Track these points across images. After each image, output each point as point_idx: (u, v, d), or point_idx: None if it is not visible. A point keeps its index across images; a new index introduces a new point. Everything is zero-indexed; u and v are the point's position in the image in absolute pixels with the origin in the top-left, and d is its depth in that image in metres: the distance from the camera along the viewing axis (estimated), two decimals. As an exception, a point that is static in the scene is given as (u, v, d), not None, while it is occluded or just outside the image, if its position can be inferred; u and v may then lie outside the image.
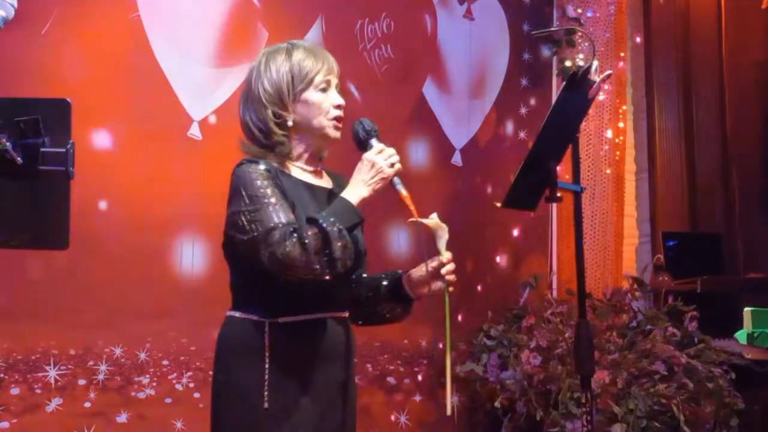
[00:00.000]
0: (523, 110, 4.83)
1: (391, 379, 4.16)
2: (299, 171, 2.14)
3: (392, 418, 4.15)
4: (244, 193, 2.00)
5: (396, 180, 2.07)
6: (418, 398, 4.25)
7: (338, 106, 2.13)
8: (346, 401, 2.13)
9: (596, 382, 3.65)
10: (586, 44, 4.73)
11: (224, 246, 2.13)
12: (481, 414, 4.26)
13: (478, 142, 4.66)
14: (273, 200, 1.98)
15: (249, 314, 2.07)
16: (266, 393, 2.01)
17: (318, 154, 2.18)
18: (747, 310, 4.06)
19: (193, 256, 3.63)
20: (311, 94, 2.11)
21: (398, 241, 4.14)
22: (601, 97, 4.68)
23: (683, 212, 5.14)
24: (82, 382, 3.37)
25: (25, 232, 1.57)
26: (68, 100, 1.53)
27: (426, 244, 2.11)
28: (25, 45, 3.28)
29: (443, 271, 2.14)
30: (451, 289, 2.13)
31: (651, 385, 3.80)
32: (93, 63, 3.46)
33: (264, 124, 2.11)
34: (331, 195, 2.13)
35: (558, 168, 2.47)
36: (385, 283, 2.22)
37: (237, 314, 2.10)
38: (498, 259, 4.70)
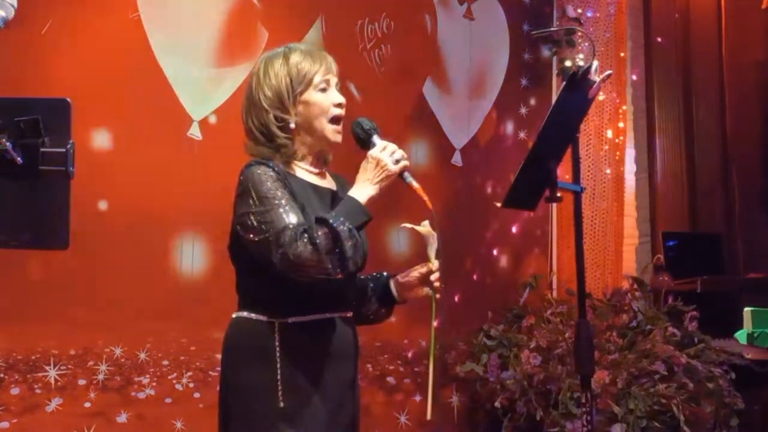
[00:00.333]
0: (523, 110, 4.83)
1: (391, 379, 4.16)
2: (304, 172, 2.15)
3: (393, 417, 4.15)
4: (253, 194, 2.00)
5: (405, 174, 2.08)
6: (418, 398, 4.25)
7: (338, 105, 2.14)
8: (355, 400, 2.16)
9: (596, 382, 3.65)
10: (586, 44, 4.73)
11: (230, 247, 2.14)
12: (481, 414, 4.26)
13: (478, 142, 4.66)
14: (283, 201, 1.98)
15: (258, 315, 2.07)
16: (280, 392, 2.01)
17: (322, 155, 2.19)
18: (747, 310, 4.06)
19: (193, 256, 3.63)
20: (311, 95, 2.12)
21: (398, 242, 4.14)
22: (601, 97, 4.68)
23: (683, 212, 5.14)
24: (82, 382, 3.37)
25: (25, 232, 1.56)
26: (68, 100, 1.53)
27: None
28: (25, 45, 3.28)
29: (432, 278, 2.15)
30: (438, 296, 2.14)
31: (651, 385, 3.80)
32: (93, 63, 3.46)
33: (266, 128, 2.12)
34: (335, 196, 2.14)
35: (558, 168, 2.47)
36: (371, 285, 2.25)
37: (245, 315, 2.10)
38: (498, 259, 4.70)
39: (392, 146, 2.09)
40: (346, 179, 2.23)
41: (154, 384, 3.51)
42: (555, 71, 4.89)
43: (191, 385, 3.59)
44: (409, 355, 4.23)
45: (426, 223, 2.16)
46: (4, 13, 1.66)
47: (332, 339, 2.08)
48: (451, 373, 4.29)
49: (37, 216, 1.55)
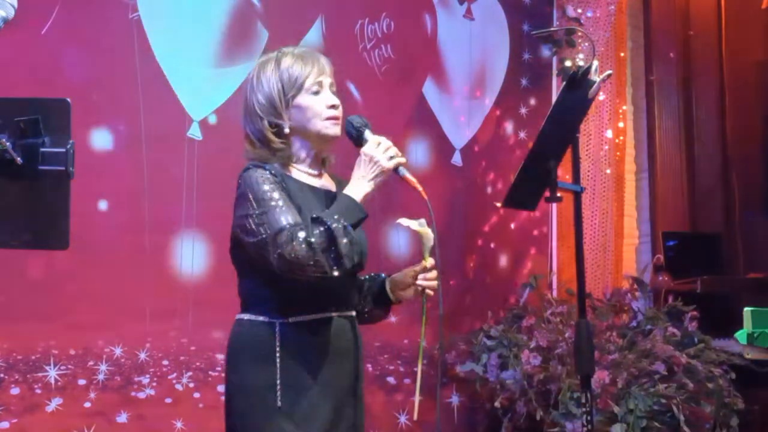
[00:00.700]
0: (523, 110, 4.83)
1: (391, 379, 4.16)
2: (303, 174, 2.16)
3: (393, 417, 4.15)
4: (251, 196, 2.02)
5: (400, 168, 2.08)
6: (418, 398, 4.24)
7: (332, 106, 2.14)
8: (358, 398, 2.17)
9: (596, 382, 3.65)
10: (586, 44, 4.73)
11: (231, 250, 2.15)
12: (481, 414, 4.26)
13: (478, 142, 4.66)
14: (280, 203, 2.00)
15: (259, 316, 2.09)
16: (279, 392, 2.02)
17: (320, 156, 2.20)
18: (747, 310, 4.05)
19: (193, 256, 3.63)
20: (303, 99, 2.13)
21: (398, 241, 4.14)
22: (601, 97, 4.68)
23: (683, 212, 5.14)
24: (82, 382, 3.37)
25: (25, 232, 1.56)
26: (68, 100, 1.53)
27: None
28: (25, 45, 3.28)
29: (421, 277, 2.16)
30: (430, 293, 2.15)
31: (651, 385, 3.80)
32: (93, 63, 3.46)
33: (262, 133, 2.14)
34: (334, 197, 2.14)
35: (558, 168, 2.47)
36: (368, 284, 2.26)
37: (247, 317, 2.12)
38: (498, 259, 4.70)
39: (386, 142, 2.09)
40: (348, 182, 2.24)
41: (154, 384, 3.51)
42: (555, 71, 4.89)
43: (191, 385, 3.59)
44: (409, 355, 4.23)
45: (423, 221, 2.16)
46: (4, 13, 1.66)
47: (333, 338, 2.09)
48: (451, 373, 4.29)
49: (37, 216, 1.54)
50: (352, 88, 4.07)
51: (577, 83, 2.40)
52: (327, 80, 2.16)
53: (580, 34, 4.69)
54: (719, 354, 4.01)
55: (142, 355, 3.50)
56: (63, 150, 1.51)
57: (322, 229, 1.94)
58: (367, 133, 2.11)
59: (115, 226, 3.48)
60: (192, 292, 3.61)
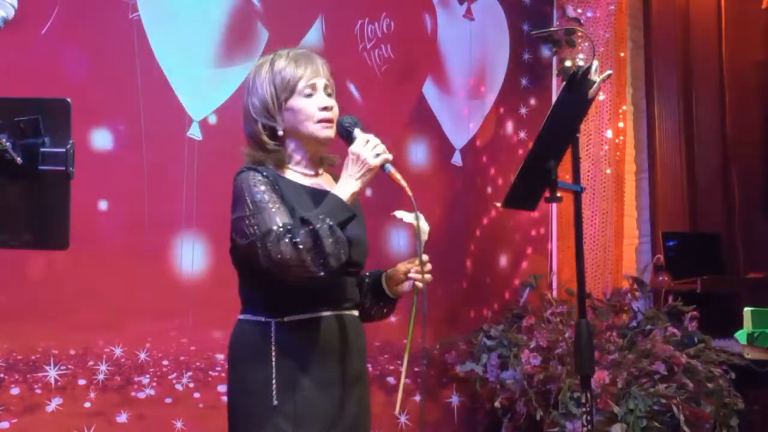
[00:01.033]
0: (523, 110, 4.83)
1: (391, 379, 4.16)
2: (298, 175, 2.18)
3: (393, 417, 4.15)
4: (243, 199, 2.05)
5: (387, 165, 2.08)
6: (418, 398, 4.25)
7: (324, 108, 2.14)
8: (361, 397, 2.16)
9: (596, 382, 3.65)
10: (586, 44, 4.73)
11: (231, 251, 2.17)
12: (481, 414, 4.26)
13: (478, 142, 4.66)
14: (270, 204, 2.02)
15: (256, 316, 2.11)
16: (274, 391, 2.03)
17: (316, 157, 2.21)
18: (747, 310, 4.05)
19: (193, 256, 3.63)
20: (296, 101, 2.14)
21: (397, 240, 4.14)
22: (601, 97, 4.68)
23: (683, 212, 5.14)
24: (82, 382, 3.37)
25: (25, 232, 1.56)
26: (68, 100, 1.53)
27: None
28: (25, 45, 3.28)
29: (413, 271, 2.15)
30: (419, 285, 2.14)
31: (651, 385, 3.80)
32: (93, 63, 3.46)
33: (257, 136, 2.17)
34: None
35: (558, 168, 2.47)
36: (367, 280, 2.25)
37: (245, 317, 2.15)
38: (498, 259, 4.70)
39: (374, 140, 2.08)
40: None
41: (154, 384, 3.51)
42: (555, 71, 4.89)
43: (191, 385, 3.59)
44: (409, 355, 4.23)
45: (420, 215, 2.15)
46: (4, 13, 1.66)
47: (330, 336, 2.10)
48: (451, 373, 4.29)
49: (37, 216, 1.54)
50: (352, 88, 4.07)
51: (577, 83, 2.40)
52: (321, 82, 2.16)
53: (580, 34, 4.69)
54: (719, 354, 4.01)
55: (142, 355, 3.50)
56: (63, 150, 1.51)
57: (307, 229, 1.96)
58: (356, 132, 2.11)
59: (115, 226, 3.48)
60: (192, 292, 3.61)
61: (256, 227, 2.00)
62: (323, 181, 2.22)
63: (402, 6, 4.40)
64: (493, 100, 4.74)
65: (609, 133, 4.79)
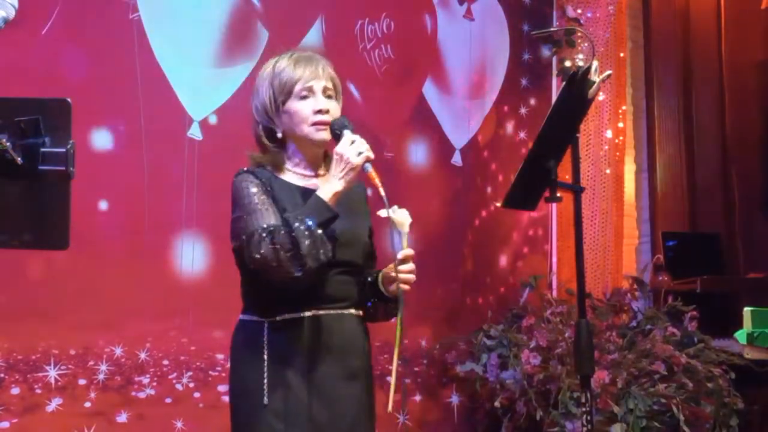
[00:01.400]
0: (523, 110, 4.83)
1: (390, 379, 4.15)
2: (297, 177, 2.20)
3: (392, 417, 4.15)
4: (237, 201, 2.11)
5: (366, 165, 2.08)
6: (418, 398, 4.25)
7: (318, 111, 2.15)
8: (360, 397, 2.15)
9: (596, 382, 3.65)
10: (586, 44, 4.73)
11: (233, 252, 2.20)
12: (481, 414, 4.26)
13: (478, 142, 4.66)
14: (259, 207, 2.07)
15: (252, 316, 2.15)
16: (265, 390, 2.06)
17: (315, 158, 2.22)
18: (747, 310, 4.05)
19: (193, 256, 3.63)
20: (292, 104, 2.17)
21: (398, 240, 4.13)
22: (601, 97, 4.67)
23: (683, 212, 5.14)
24: (82, 382, 3.37)
25: (25, 232, 1.56)
26: (68, 100, 1.53)
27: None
28: (25, 45, 3.28)
29: (401, 268, 2.14)
30: (405, 287, 2.13)
31: (651, 385, 3.80)
32: (93, 63, 3.46)
33: (258, 138, 2.22)
34: (342, 197, 2.13)
35: (558, 168, 2.47)
36: (369, 280, 2.26)
37: (244, 317, 2.19)
38: (498, 259, 4.70)
39: (359, 140, 2.09)
40: (361, 183, 2.29)
41: (154, 384, 3.51)
42: (555, 71, 4.89)
43: (191, 385, 3.59)
44: (409, 354, 4.23)
45: (405, 211, 2.14)
46: (4, 13, 1.66)
47: (321, 335, 2.11)
48: (451, 373, 4.29)
49: (37, 216, 1.54)
50: (352, 88, 4.07)
51: (577, 83, 2.40)
52: (319, 85, 2.17)
53: (579, 34, 4.69)
54: (719, 354, 4.01)
55: (143, 355, 3.50)
56: (63, 150, 1.51)
57: (285, 230, 1.99)
58: (345, 133, 2.12)
59: (115, 226, 3.48)
60: (192, 292, 3.61)
61: (243, 229, 2.05)
62: (323, 182, 2.22)
63: (402, 6, 4.40)
64: (493, 100, 4.73)
65: (609, 133, 4.79)
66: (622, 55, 4.90)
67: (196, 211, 3.62)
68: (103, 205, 3.47)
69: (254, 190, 2.10)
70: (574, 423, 3.68)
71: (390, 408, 2.09)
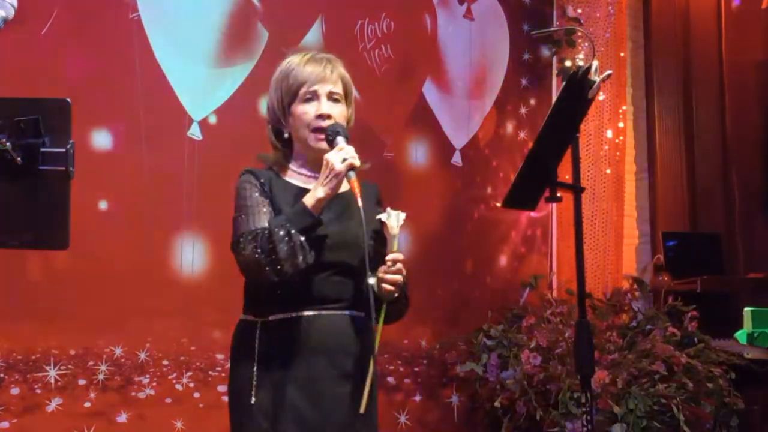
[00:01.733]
0: (523, 110, 4.83)
1: (391, 379, 4.16)
2: (301, 177, 2.23)
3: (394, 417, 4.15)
4: (236, 202, 2.16)
5: (350, 173, 2.08)
6: (418, 398, 4.25)
7: (320, 116, 2.16)
8: (349, 396, 2.13)
9: (596, 382, 3.65)
10: (586, 44, 4.72)
11: None
12: (481, 414, 4.26)
13: (478, 142, 4.65)
14: (252, 209, 2.11)
15: (248, 315, 2.19)
16: (254, 389, 2.08)
17: (317, 161, 2.21)
18: (747, 310, 4.05)
19: (193, 256, 3.63)
20: (296, 107, 2.19)
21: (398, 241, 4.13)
22: (601, 97, 4.67)
23: (683, 212, 5.13)
24: (82, 382, 3.37)
25: (25, 232, 1.56)
26: (68, 100, 1.53)
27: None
28: (25, 45, 3.28)
29: (387, 269, 2.14)
30: (389, 287, 2.12)
31: (651, 385, 3.80)
32: (93, 63, 3.46)
33: (268, 136, 2.26)
34: (335, 201, 2.14)
35: (558, 168, 2.46)
36: (371, 281, 2.24)
37: (242, 317, 2.22)
38: (498, 259, 4.70)
39: (348, 148, 2.09)
40: (377, 186, 2.32)
41: (154, 384, 3.51)
42: (555, 71, 4.89)
43: (191, 385, 3.59)
44: (409, 355, 4.23)
45: (401, 214, 2.14)
46: (4, 12, 1.67)
47: (312, 336, 2.11)
48: (451, 373, 4.28)
49: (37, 216, 1.54)
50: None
51: (577, 83, 2.40)
52: (325, 88, 2.18)
53: (579, 34, 4.69)
54: (719, 354, 4.00)
55: (142, 355, 3.50)
56: (63, 150, 1.51)
57: (265, 235, 2.01)
58: (338, 140, 2.13)
59: (115, 226, 3.48)
60: (192, 292, 3.61)
61: (234, 231, 2.10)
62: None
63: (402, 6, 4.40)
64: (493, 100, 4.73)
65: (609, 133, 4.78)
66: (622, 54, 4.89)
67: (195, 211, 3.62)
68: (103, 205, 3.47)
69: (250, 191, 2.13)
70: (574, 423, 3.68)
71: (362, 409, 2.09)
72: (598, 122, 4.76)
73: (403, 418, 4.17)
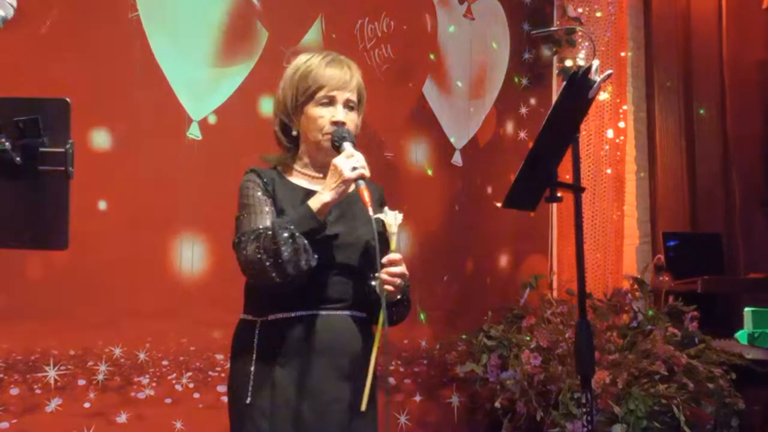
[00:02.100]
0: (523, 110, 4.83)
1: (390, 379, 4.16)
2: (305, 177, 2.23)
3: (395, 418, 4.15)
4: (239, 201, 2.15)
5: (360, 182, 2.07)
6: (418, 398, 4.25)
7: (335, 123, 2.15)
8: (348, 397, 2.12)
9: (596, 382, 3.65)
10: (587, 44, 4.72)
11: None
12: (481, 414, 4.26)
13: (478, 142, 4.65)
14: (255, 208, 2.11)
15: (247, 315, 2.19)
16: (250, 388, 2.09)
17: (323, 164, 2.21)
18: (747, 310, 4.06)
19: (193, 256, 3.63)
20: (311, 108, 2.18)
21: (399, 241, 4.13)
22: (601, 96, 4.67)
23: (683, 212, 5.14)
24: (82, 382, 3.37)
25: (25, 232, 1.56)
26: (68, 100, 1.52)
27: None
28: (25, 45, 3.27)
29: (386, 270, 2.11)
30: (389, 288, 2.11)
31: (651, 385, 3.79)
32: (93, 63, 3.46)
33: (275, 132, 2.26)
34: (341, 202, 2.13)
35: (558, 168, 2.46)
36: (373, 283, 2.24)
37: (242, 316, 2.21)
38: (498, 259, 4.70)
39: (358, 155, 2.08)
40: (381, 187, 2.31)
41: (154, 384, 3.50)
42: (555, 71, 4.89)
43: (191, 385, 3.58)
44: (409, 355, 4.23)
45: (398, 215, 2.13)
46: (3, 12, 1.66)
47: (310, 336, 2.11)
48: (451, 373, 4.28)
49: (37, 216, 1.54)
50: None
51: (578, 83, 2.40)
52: (343, 96, 2.18)
53: (580, 33, 4.69)
54: (720, 354, 4.00)
55: (142, 355, 3.49)
56: (62, 150, 1.51)
57: (269, 236, 2.00)
58: (345, 145, 2.12)
59: (115, 226, 3.47)
60: (192, 292, 3.60)
61: (237, 230, 2.10)
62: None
63: (402, 6, 4.40)
64: (493, 100, 4.73)
65: (609, 133, 4.78)
66: (623, 54, 4.89)
67: (195, 211, 3.62)
68: (102, 205, 3.46)
69: (254, 191, 2.13)
70: (574, 423, 3.68)
71: (363, 407, 2.10)
72: (598, 122, 4.76)
73: (403, 419, 4.17)
